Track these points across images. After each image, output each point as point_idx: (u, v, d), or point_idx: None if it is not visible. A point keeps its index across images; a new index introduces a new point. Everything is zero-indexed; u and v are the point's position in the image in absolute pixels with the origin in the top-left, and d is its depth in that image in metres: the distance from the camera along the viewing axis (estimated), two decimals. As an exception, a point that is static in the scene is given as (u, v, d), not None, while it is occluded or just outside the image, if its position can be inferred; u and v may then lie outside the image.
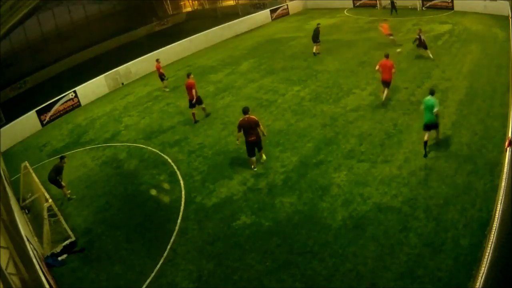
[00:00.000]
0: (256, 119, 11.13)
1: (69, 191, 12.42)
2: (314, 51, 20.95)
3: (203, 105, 15.54)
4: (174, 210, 10.61)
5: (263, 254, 8.49)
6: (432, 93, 10.48)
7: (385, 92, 13.65)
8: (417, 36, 17.45)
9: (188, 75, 15.06)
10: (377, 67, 13.67)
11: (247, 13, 35.00)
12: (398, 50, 14.43)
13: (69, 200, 12.16)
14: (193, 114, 15.37)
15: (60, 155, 12.83)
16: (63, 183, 12.14)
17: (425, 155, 10.51)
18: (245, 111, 11.19)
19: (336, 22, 28.20)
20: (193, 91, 14.77)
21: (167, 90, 20.18)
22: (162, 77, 20.08)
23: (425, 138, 10.46)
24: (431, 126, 10.42)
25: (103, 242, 10.05)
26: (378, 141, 11.76)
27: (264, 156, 11.86)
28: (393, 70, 13.45)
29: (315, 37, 20.84)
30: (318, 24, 21.25)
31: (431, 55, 17.18)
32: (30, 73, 31.07)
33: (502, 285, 5.07)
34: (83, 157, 14.91)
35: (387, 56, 13.52)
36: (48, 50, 34.41)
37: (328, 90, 16.01)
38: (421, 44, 17.42)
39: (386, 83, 13.58)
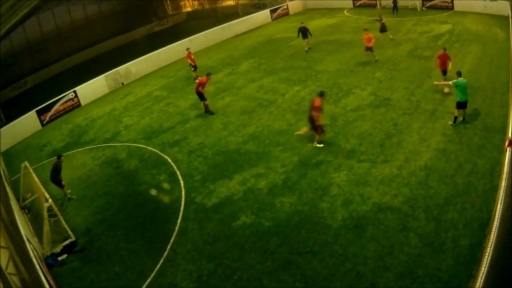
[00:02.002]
0: (317, 104, 11.67)
1: (69, 190, 12.43)
2: (306, 48, 22.25)
3: (206, 102, 16.07)
4: (174, 210, 10.61)
5: (263, 254, 8.49)
6: (461, 74, 11.41)
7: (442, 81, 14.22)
8: (381, 21, 20.91)
9: (208, 74, 15.82)
10: (436, 62, 14.63)
11: (247, 13, 35.02)
12: (446, 90, 13.75)
13: (69, 200, 12.16)
14: (205, 105, 16.08)
15: (57, 154, 12.78)
16: (63, 182, 12.12)
17: (454, 124, 11.68)
18: (319, 93, 12.08)
19: (336, 22, 28.21)
20: (200, 88, 15.49)
21: (197, 81, 20.44)
22: (193, 66, 20.58)
23: (456, 114, 11.60)
24: (464, 104, 11.39)
25: (103, 242, 10.05)
26: (378, 141, 11.76)
27: (315, 144, 12.15)
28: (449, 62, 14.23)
29: (304, 34, 21.95)
30: (302, 22, 22.66)
31: (390, 36, 20.92)
32: (30, 73, 31.10)
33: (502, 285, 5.06)
34: (83, 157, 14.91)
35: (444, 50, 14.31)
36: (48, 50, 34.45)
37: (328, 90, 15.97)
38: (383, 29, 20.94)
39: (443, 72, 14.55)
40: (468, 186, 9.16)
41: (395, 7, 26.82)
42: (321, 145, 12.04)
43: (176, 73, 22.84)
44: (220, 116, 15.65)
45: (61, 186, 12.12)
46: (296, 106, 15.17)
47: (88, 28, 38.51)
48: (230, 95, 17.83)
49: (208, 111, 16.09)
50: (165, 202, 11.13)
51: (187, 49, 20.94)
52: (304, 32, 21.86)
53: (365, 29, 18.97)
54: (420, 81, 15.26)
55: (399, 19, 25.49)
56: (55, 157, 14.70)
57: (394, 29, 23.33)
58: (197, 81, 20.34)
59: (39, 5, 26.80)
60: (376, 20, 21.66)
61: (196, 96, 16.47)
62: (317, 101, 11.69)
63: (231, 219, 9.77)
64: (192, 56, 20.59)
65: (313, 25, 28.48)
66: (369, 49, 18.16)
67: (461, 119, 11.77)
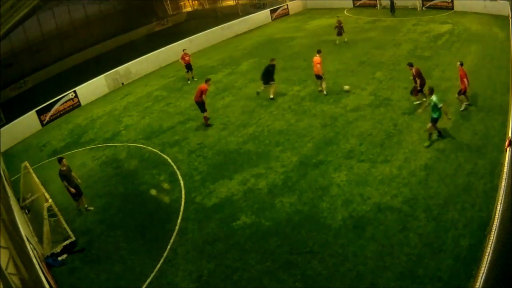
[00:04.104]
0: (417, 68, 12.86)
1: (85, 205, 11.53)
2: (271, 95, 16.02)
3: (205, 114, 14.88)
4: (174, 210, 10.61)
5: (263, 254, 8.49)
6: (433, 91, 10.89)
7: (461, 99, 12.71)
8: (338, 25, 21.87)
9: (206, 80, 14.57)
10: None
11: (247, 13, 34.99)
12: (347, 88, 12.93)
13: (87, 210, 11.38)
14: (205, 117, 14.93)
15: (58, 158, 11.49)
16: (72, 190, 10.97)
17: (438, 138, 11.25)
18: (410, 64, 13.16)
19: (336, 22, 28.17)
20: (202, 95, 14.27)
21: (189, 82, 20.57)
22: (186, 67, 20.59)
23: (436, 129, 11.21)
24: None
25: (103, 242, 10.05)
26: (378, 141, 11.76)
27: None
28: (465, 79, 12.19)
29: (268, 76, 15.71)
30: (273, 59, 15.92)
31: (345, 39, 21.92)
32: (30, 73, 31.09)
33: (502, 285, 5.07)
34: (83, 157, 14.91)
35: (461, 64, 12.35)
36: (48, 50, 34.42)
37: (328, 90, 15.98)
38: (339, 33, 21.82)
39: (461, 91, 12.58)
40: (468, 186, 9.16)
41: (392, 8, 26.81)
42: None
43: (176, 73, 22.82)
44: (220, 116, 15.65)
45: (73, 196, 11.08)
46: (296, 106, 15.16)
47: (88, 28, 38.48)
48: (230, 95, 17.82)
49: (207, 124, 14.93)
50: (165, 202, 11.13)
51: (183, 50, 20.79)
52: (270, 73, 15.63)
53: (319, 51, 15.51)
54: (420, 81, 15.25)
55: (399, 19, 25.49)
56: (55, 157, 14.63)
57: (395, 29, 23.39)
58: (189, 82, 20.43)
59: (39, 5, 26.75)
60: (337, 26, 21.98)
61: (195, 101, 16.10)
62: (417, 69, 12.88)
63: (231, 219, 9.76)
64: (187, 58, 20.32)
65: (313, 25, 28.55)
66: (320, 77, 15.36)
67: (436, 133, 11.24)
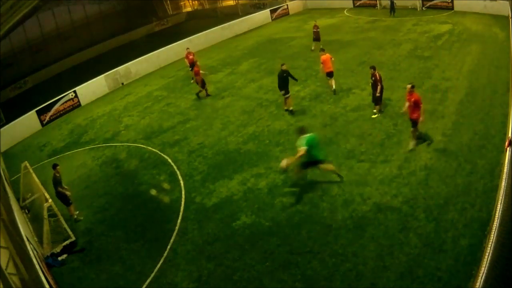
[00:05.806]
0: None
1: (77, 212, 11.29)
2: (287, 107, 14.81)
3: (205, 87, 17.88)
4: (174, 210, 10.62)
5: (263, 254, 8.49)
6: (303, 130, 9.74)
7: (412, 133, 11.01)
8: (315, 30, 21.63)
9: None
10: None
11: (247, 13, 35.02)
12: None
13: (76, 221, 11.03)
14: (201, 90, 17.78)
15: (53, 164, 11.30)
16: (69, 199, 10.94)
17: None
18: (373, 67, 12.89)
19: (336, 22, 28.20)
20: (200, 74, 17.28)
21: (192, 81, 20.31)
22: (190, 66, 20.67)
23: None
24: (319, 161, 9.81)
25: (103, 242, 10.06)
26: (378, 141, 11.75)
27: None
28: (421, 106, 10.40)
29: (283, 84, 14.13)
30: (283, 64, 14.29)
31: (320, 46, 19.66)
32: (30, 73, 31.13)
33: (502, 285, 5.07)
34: (83, 157, 14.91)
35: (413, 87, 10.49)
36: (48, 50, 34.46)
37: (328, 90, 15.98)
38: (317, 38, 21.49)
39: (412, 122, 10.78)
40: (468, 186, 9.15)
41: (392, 8, 26.82)
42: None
43: (176, 73, 22.85)
44: (220, 116, 15.65)
45: (66, 203, 10.97)
46: (296, 106, 15.14)
47: (88, 28, 38.51)
48: (230, 95, 17.82)
49: (208, 94, 17.89)
50: (165, 202, 11.13)
51: (187, 49, 20.96)
52: (284, 79, 14.04)
53: (322, 49, 15.78)
54: (420, 81, 15.23)
55: (399, 19, 25.50)
56: (55, 157, 14.66)
57: (395, 29, 23.39)
58: (192, 81, 20.55)
59: (39, 5, 26.78)
60: (314, 32, 21.66)
61: (195, 97, 16.57)
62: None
63: (231, 219, 9.76)
64: (191, 56, 20.52)
65: (313, 25, 28.52)
66: (329, 74, 15.24)
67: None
